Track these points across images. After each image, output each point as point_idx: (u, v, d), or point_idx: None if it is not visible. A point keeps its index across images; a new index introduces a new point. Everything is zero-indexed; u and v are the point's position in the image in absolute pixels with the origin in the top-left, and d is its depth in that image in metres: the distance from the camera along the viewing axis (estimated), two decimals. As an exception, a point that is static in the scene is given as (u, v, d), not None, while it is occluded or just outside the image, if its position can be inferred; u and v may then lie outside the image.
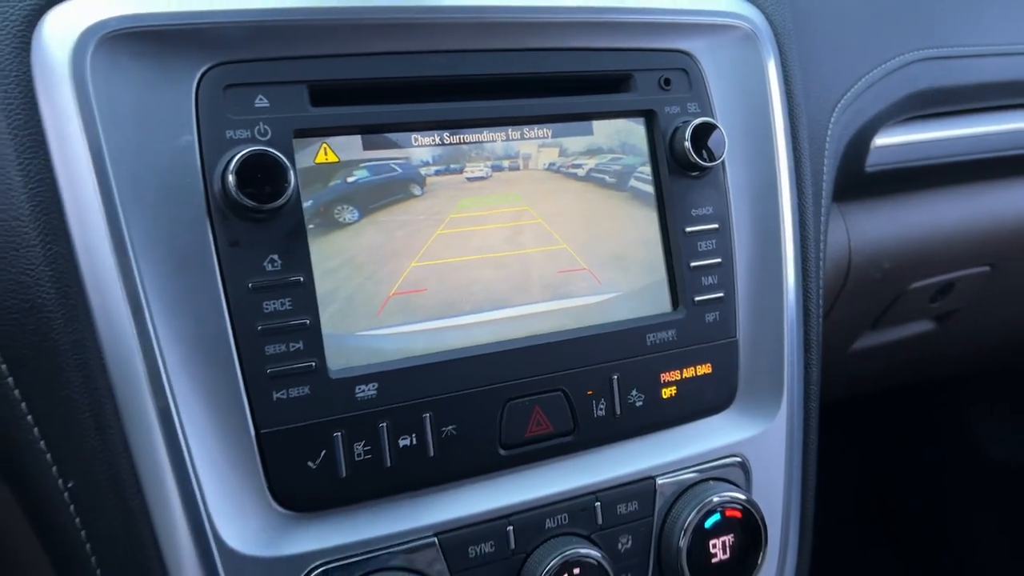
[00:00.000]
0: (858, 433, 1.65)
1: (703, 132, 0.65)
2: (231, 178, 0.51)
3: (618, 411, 0.63)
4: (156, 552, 0.51)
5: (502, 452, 0.60)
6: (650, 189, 0.66)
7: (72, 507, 0.51)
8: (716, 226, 0.67)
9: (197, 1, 0.53)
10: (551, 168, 0.63)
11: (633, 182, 0.66)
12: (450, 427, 0.58)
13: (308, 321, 0.54)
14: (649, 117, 0.66)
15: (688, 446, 0.66)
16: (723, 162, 0.67)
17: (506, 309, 0.61)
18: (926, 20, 0.90)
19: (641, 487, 0.64)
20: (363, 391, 0.56)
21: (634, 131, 0.66)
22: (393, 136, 0.59)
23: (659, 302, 0.66)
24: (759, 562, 0.66)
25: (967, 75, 0.91)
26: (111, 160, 0.50)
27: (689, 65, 0.68)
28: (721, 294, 0.67)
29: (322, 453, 0.55)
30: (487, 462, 0.59)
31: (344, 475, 0.55)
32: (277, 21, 0.55)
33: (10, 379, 0.50)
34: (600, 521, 0.62)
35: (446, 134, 0.60)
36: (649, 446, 0.65)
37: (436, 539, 0.57)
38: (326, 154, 0.57)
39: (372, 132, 0.58)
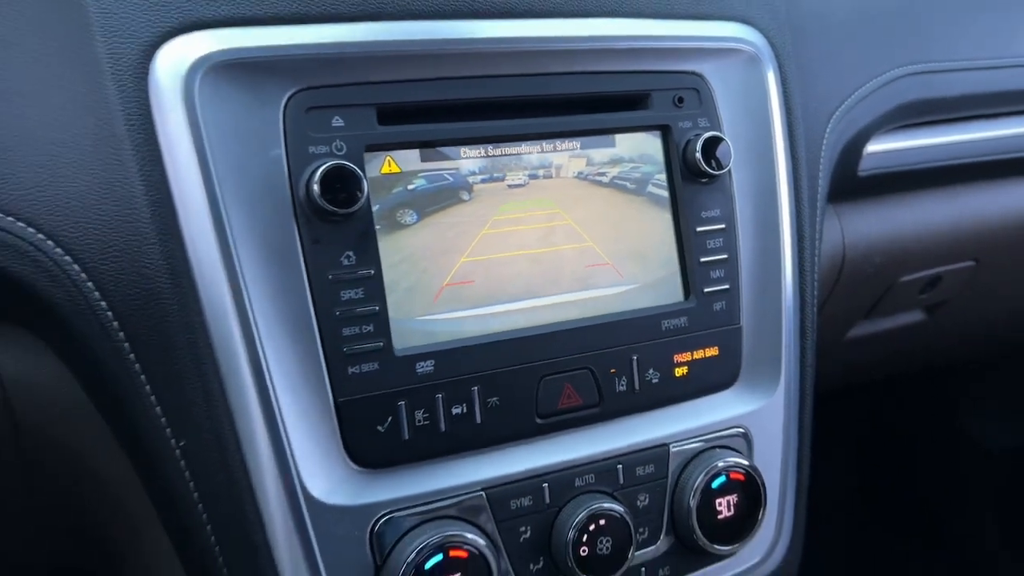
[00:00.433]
0: (853, 424, 1.73)
1: (712, 144, 0.74)
2: (315, 187, 0.61)
3: (637, 387, 0.73)
4: (253, 501, 0.61)
5: (538, 421, 0.69)
6: (665, 194, 0.75)
7: (183, 462, 0.61)
8: (723, 226, 0.76)
9: (284, 36, 0.62)
10: (579, 176, 0.73)
11: (651, 188, 0.75)
12: (494, 399, 0.67)
13: (377, 308, 0.64)
14: (665, 131, 0.75)
15: (697, 418, 0.75)
16: (730, 170, 0.76)
17: (541, 298, 0.70)
18: (913, 38, 0.99)
19: (657, 453, 0.73)
20: (422, 367, 0.65)
21: (652, 143, 0.75)
22: (446, 150, 0.68)
23: (673, 293, 0.75)
24: (760, 519, 0.75)
25: (951, 88, 1.00)
26: (215, 170, 0.60)
27: (700, 85, 0.77)
28: (727, 286, 0.76)
29: (388, 419, 0.64)
30: (525, 429, 0.69)
31: (407, 438, 0.65)
32: (350, 53, 0.64)
33: (132, 355, 0.60)
34: (622, 481, 0.71)
35: (490, 148, 0.70)
36: (664, 418, 0.74)
37: (484, 493, 0.66)
38: (390, 166, 0.66)
39: (428, 147, 0.67)
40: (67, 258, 0.59)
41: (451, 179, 0.68)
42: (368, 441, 0.63)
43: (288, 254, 0.62)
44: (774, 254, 0.78)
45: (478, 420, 0.67)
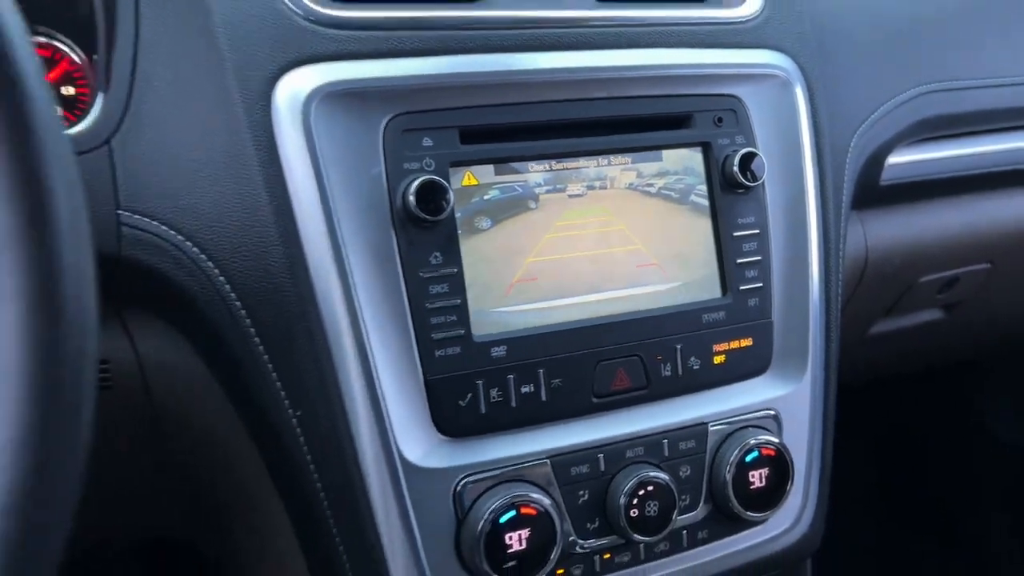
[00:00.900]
0: (871, 420, 1.80)
1: (748, 159, 0.84)
2: (410, 198, 0.72)
3: (680, 372, 0.83)
4: (356, 464, 0.72)
5: (594, 400, 0.80)
6: (706, 203, 0.85)
7: (299, 430, 0.72)
8: (757, 232, 0.86)
9: (383, 69, 0.73)
10: (630, 187, 0.83)
11: (693, 197, 0.85)
12: (557, 380, 0.78)
13: (459, 301, 0.75)
14: (706, 148, 0.85)
15: (733, 401, 0.85)
16: (763, 182, 0.86)
17: (597, 294, 0.81)
18: (932, 57, 1.07)
19: (697, 430, 0.83)
20: (497, 352, 0.76)
21: (694, 158, 0.85)
22: (516, 165, 0.79)
23: (712, 290, 0.85)
24: (787, 490, 0.85)
25: (968, 104, 1.09)
26: (328, 184, 0.71)
27: (737, 106, 0.87)
28: (760, 284, 0.86)
29: (468, 395, 0.75)
30: (583, 407, 0.79)
31: (483, 412, 0.75)
32: (437, 83, 0.75)
33: (256, 339, 0.71)
34: (666, 454, 0.81)
35: (554, 163, 0.80)
36: (703, 400, 0.84)
37: (548, 461, 0.77)
38: (470, 179, 0.77)
39: (501, 162, 0.78)
40: (203, 256, 0.71)
41: (520, 190, 0.79)
42: (452, 414, 0.74)
43: (387, 255, 0.73)
44: (802, 256, 0.88)
45: (543, 398, 0.77)
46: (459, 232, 0.75)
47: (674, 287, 0.83)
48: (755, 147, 0.86)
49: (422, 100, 0.75)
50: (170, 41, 0.73)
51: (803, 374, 0.88)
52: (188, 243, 0.71)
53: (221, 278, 0.71)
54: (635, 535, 0.78)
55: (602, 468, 0.79)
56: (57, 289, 0.39)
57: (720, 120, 0.86)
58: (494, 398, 0.76)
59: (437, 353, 0.74)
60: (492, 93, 0.78)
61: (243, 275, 0.71)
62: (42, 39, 0.84)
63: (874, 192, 1.05)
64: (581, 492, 0.78)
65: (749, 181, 0.84)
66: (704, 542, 0.83)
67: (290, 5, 0.73)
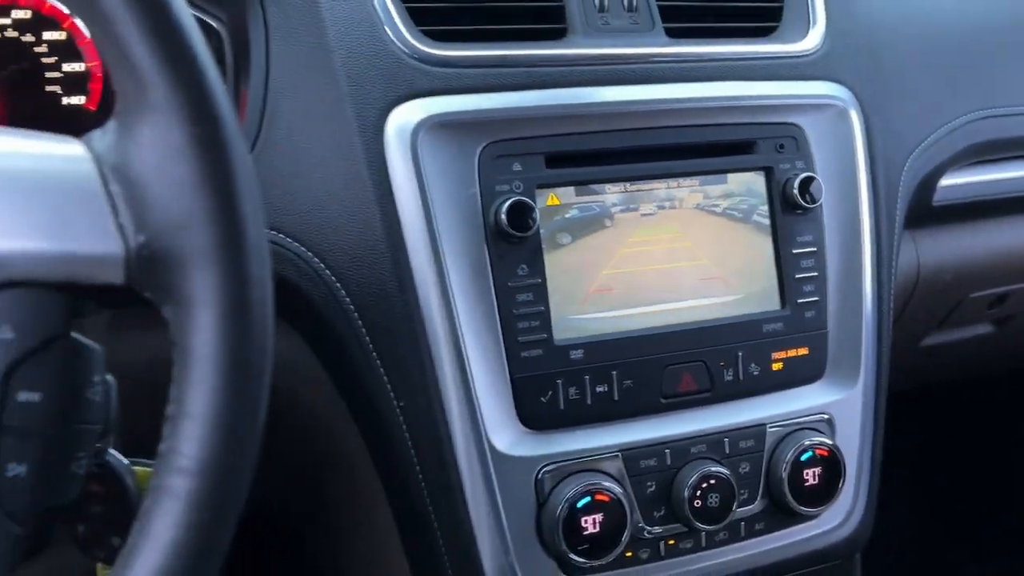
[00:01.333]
0: (919, 430, 1.82)
1: (807, 182, 0.91)
2: (502, 216, 0.81)
3: (741, 377, 0.90)
4: (451, 450, 0.81)
5: (662, 400, 0.88)
6: (767, 222, 0.93)
7: (402, 418, 0.81)
8: (814, 249, 0.93)
9: (479, 102, 0.83)
10: (697, 207, 0.91)
11: (755, 217, 0.93)
12: (628, 381, 0.86)
13: (542, 308, 0.83)
14: (768, 172, 0.92)
15: (789, 404, 0.92)
16: (821, 204, 0.93)
17: (665, 304, 0.89)
18: (985, 85, 1.13)
19: (756, 431, 0.90)
20: (575, 354, 0.84)
21: (757, 181, 0.93)
22: (594, 187, 0.87)
23: (771, 302, 0.92)
24: (840, 488, 0.92)
25: (1019, 129, 1.15)
26: (431, 203, 0.80)
27: (797, 134, 0.94)
28: (817, 298, 0.93)
29: (549, 393, 0.84)
30: (652, 406, 0.87)
31: (562, 408, 0.84)
32: (526, 115, 0.84)
33: (367, 338, 0.81)
34: (727, 452, 0.89)
35: (628, 185, 0.88)
36: (762, 403, 0.92)
37: (620, 454, 0.85)
38: (553, 200, 0.86)
39: (581, 184, 0.86)
40: (323, 267, 0.81)
41: (598, 209, 0.87)
42: (534, 409, 0.83)
43: (481, 266, 0.82)
44: (856, 273, 0.95)
45: (615, 397, 0.86)
46: (543, 247, 0.84)
47: (737, 299, 0.91)
48: (814, 171, 0.93)
49: (513, 129, 0.84)
50: (296, 76, 0.84)
51: (856, 381, 0.95)
52: (311, 255, 0.81)
53: (338, 285, 0.81)
54: (698, 524, 0.86)
55: (668, 462, 0.87)
56: (246, 298, 0.49)
57: (782, 146, 0.94)
58: (572, 396, 0.84)
59: (522, 354, 0.83)
60: (574, 123, 0.87)
61: (357, 283, 0.81)
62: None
63: (926, 212, 1.11)
64: (649, 483, 0.86)
65: (808, 203, 0.91)
66: (760, 533, 0.91)
67: (400, 46, 0.83)
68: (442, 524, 0.83)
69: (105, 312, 0.83)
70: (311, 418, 0.93)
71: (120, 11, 0.47)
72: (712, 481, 0.86)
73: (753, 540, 0.91)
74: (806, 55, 0.96)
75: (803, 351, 0.93)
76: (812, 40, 0.97)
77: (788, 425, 0.92)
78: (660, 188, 0.89)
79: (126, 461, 0.68)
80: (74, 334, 0.52)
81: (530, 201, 0.81)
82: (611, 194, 0.88)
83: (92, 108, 0.93)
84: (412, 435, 0.82)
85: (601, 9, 0.91)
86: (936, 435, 1.85)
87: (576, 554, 0.82)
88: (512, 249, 0.83)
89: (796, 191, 0.91)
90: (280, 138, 0.82)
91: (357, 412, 0.86)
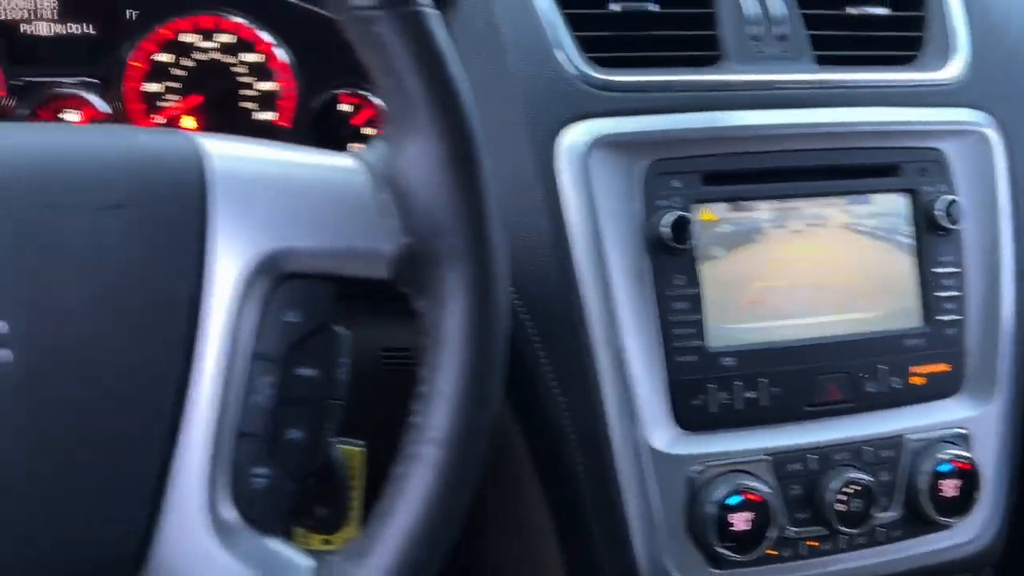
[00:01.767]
0: None
1: (949, 205, 0.95)
2: (663, 230, 0.87)
3: (882, 390, 0.94)
4: (610, 447, 0.87)
5: (807, 408, 0.92)
6: (910, 242, 0.96)
7: (567, 414, 0.87)
8: (956, 270, 0.97)
9: (645, 124, 0.89)
10: (843, 226, 0.95)
11: (898, 237, 0.96)
12: (777, 389, 0.91)
13: (698, 317, 0.89)
14: (911, 194, 0.96)
15: (929, 417, 0.96)
16: (963, 226, 0.97)
17: (812, 317, 0.93)
18: None
19: (896, 441, 0.93)
20: (726, 361, 0.90)
21: (900, 202, 0.97)
22: (746, 203, 0.92)
23: (913, 319, 0.96)
24: (976, 499, 0.95)
25: None
26: (598, 214, 0.87)
27: (940, 158, 0.98)
28: (957, 316, 0.96)
29: (702, 396, 0.89)
30: (798, 414, 0.91)
31: (713, 411, 0.89)
32: (687, 137, 0.90)
33: (537, 340, 0.88)
34: (868, 460, 0.92)
35: (778, 202, 0.93)
36: (902, 415, 0.95)
37: (769, 457, 0.90)
38: (709, 215, 0.92)
39: (734, 201, 0.92)
40: (497, 269, 0.88)
41: (750, 225, 0.92)
42: (688, 411, 0.89)
43: (642, 276, 0.88)
44: (997, 293, 0.98)
45: (764, 404, 0.91)
46: (698, 259, 0.90)
47: (880, 315, 0.95)
48: (956, 194, 0.97)
49: (674, 149, 0.90)
50: (476, 97, 0.91)
51: (994, 397, 0.98)
52: (484, 258, 0.88)
53: (511, 289, 0.88)
54: (840, 527, 0.90)
55: (812, 467, 0.91)
56: (491, 293, 0.56)
57: (925, 170, 0.97)
58: (723, 400, 0.90)
59: (678, 359, 0.88)
60: (729, 144, 0.92)
61: (527, 288, 0.88)
62: (347, 90, 1.05)
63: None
64: (794, 486, 0.90)
65: (950, 225, 0.95)
66: (898, 539, 0.94)
67: (572, 71, 0.90)
68: (598, 517, 0.89)
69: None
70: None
71: (399, 50, 0.55)
72: (855, 487, 0.90)
73: (890, 546, 0.94)
74: (948, 83, 1.00)
75: (943, 367, 0.96)
76: (954, 68, 1.01)
77: (927, 437, 0.95)
78: (808, 207, 0.94)
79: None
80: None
81: (688, 216, 0.87)
82: (762, 211, 0.93)
83: (286, 124, 1.03)
84: (575, 430, 0.88)
85: (755, 38, 0.97)
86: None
87: (725, 549, 0.87)
88: (671, 261, 0.89)
89: (939, 213, 0.95)
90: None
91: (520, 409, 0.93)
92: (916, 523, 0.95)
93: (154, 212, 0.54)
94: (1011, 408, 0.99)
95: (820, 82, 0.97)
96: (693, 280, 0.89)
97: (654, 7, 0.97)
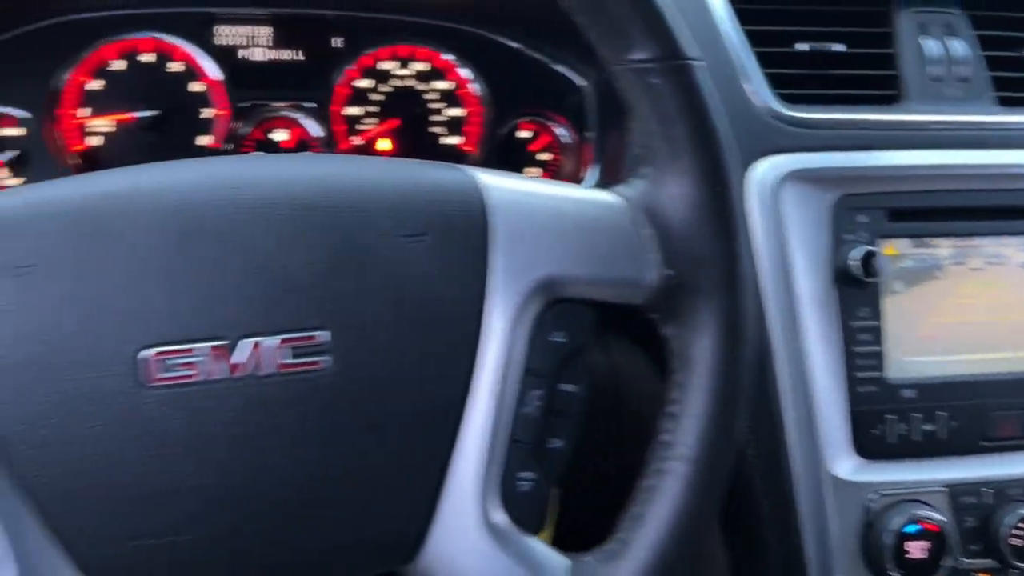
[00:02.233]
0: None
1: None
2: (852, 263, 0.90)
3: (1057, 428, 0.96)
4: (789, 471, 0.90)
5: (982, 443, 0.94)
6: (1090, 283, 0.98)
7: (750, 437, 0.91)
8: None
9: (836, 160, 0.93)
10: (1022, 266, 0.97)
11: (1076, 278, 0.98)
12: (954, 422, 0.93)
13: (879, 348, 0.92)
14: (1090, 235, 0.98)
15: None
16: None
17: (990, 353, 0.95)
18: None
19: (1076, 480, 0.96)
20: (906, 393, 0.92)
21: (1081, 243, 0.99)
22: (928, 240, 0.95)
23: (1091, 359, 0.98)
24: None
25: None
26: (788, 246, 0.91)
27: (1121, 199, 0.99)
28: None
29: (881, 426, 0.92)
30: (973, 447, 0.93)
31: (892, 442, 0.92)
32: (874, 174, 0.93)
33: (722, 363, 0.92)
34: (1042, 496, 0.95)
35: (958, 240, 0.96)
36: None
37: (945, 489, 0.92)
38: (892, 250, 0.94)
39: (916, 237, 0.95)
40: (686, 296, 0.92)
41: (931, 261, 0.95)
42: (868, 440, 0.91)
43: (829, 307, 0.91)
44: None
45: (941, 436, 0.93)
46: (881, 292, 0.93)
47: (1057, 353, 0.97)
48: None
49: (860, 185, 0.93)
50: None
51: None
52: (673, 285, 0.93)
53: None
54: (1013, 561, 0.91)
55: (987, 500, 0.93)
56: (741, 323, 0.61)
57: (1106, 210, 0.99)
58: (900, 431, 0.92)
59: (859, 389, 0.91)
60: (913, 182, 0.95)
61: (715, 313, 0.92)
62: (527, 118, 1.10)
63: None
64: (968, 518, 0.92)
65: None
66: (1069, 578, 0.95)
67: (762, 108, 0.94)
68: (775, 539, 0.92)
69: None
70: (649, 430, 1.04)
71: (669, 99, 0.60)
72: (1029, 523, 0.91)
73: (1061, 584, 0.96)
74: (1126, 126, 1.01)
75: (1116, 410, 0.97)
76: None
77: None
78: (988, 245, 0.96)
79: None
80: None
81: (876, 250, 0.90)
82: (943, 248, 0.95)
83: (472, 150, 1.09)
84: (757, 454, 0.91)
85: (936, 79, 0.99)
86: None
87: (898, 575, 0.89)
88: (857, 293, 0.92)
89: (1119, 255, 0.96)
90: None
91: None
92: (1090, 562, 0.96)
93: (448, 240, 0.59)
94: None
95: (1001, 124, 0.99)
96: (876, 312, 0.92)
97: (839, 47, 1.00)
